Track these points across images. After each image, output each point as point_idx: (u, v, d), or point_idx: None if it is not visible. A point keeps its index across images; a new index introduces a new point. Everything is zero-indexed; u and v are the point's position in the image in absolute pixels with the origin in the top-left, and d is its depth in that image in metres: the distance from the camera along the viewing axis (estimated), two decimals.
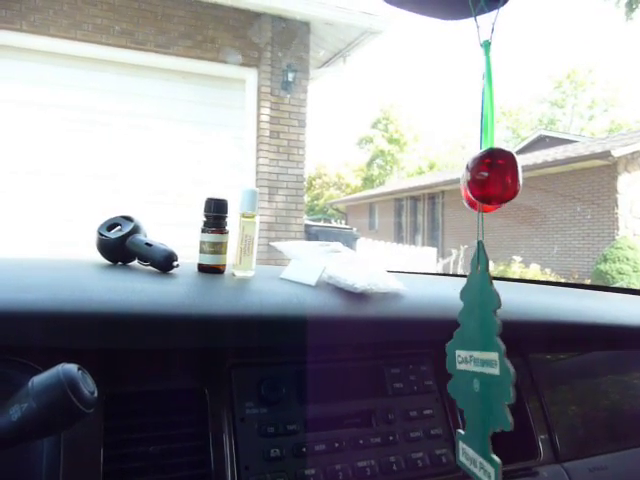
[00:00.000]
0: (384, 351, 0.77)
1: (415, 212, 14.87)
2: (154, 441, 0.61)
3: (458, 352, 0.48)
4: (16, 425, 0.43)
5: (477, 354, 0.45)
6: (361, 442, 0.70)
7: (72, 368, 0.45)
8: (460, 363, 0.47)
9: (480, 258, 0.44)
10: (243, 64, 5.01)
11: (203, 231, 0.80)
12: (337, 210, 20.58)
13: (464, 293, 0.47)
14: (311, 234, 7.41)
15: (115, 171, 4.57)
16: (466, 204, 0.45)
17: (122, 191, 4.51)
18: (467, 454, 0.47)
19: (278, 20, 5.02)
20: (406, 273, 1.21)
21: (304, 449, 0.66)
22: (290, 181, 5.18)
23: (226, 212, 0.81)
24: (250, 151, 5.07)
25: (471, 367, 0.45)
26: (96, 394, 0.46)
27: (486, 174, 0.42)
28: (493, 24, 0.43)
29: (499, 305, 0.43)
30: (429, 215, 14.34)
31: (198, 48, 4.82)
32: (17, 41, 4.28)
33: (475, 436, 0.46)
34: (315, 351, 0.71)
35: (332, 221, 15.79)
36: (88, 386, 0.46)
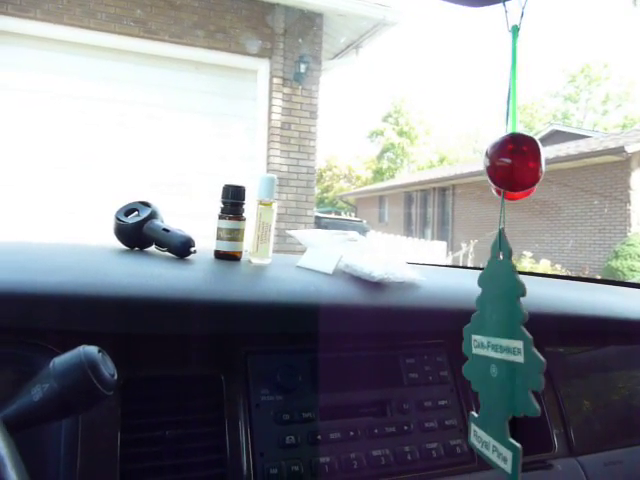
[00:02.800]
0: (400, 341, 0.76)
1: (425, 205, 14.82)
2: (170, 426, 0.61)
3: (474, 336, 0.47)
4: (37, 405, 0.43)
5: (496, 340, 0.44)
6: (376, 431, 0.69)
7: (93, 350, 0.45)
8: (476, 347, 0.47)
9: (502, 245, 0.44)
10: (255, 55, 4.99)
11: (220, 217, 0.79)
12: (347, 203, 20.56)
13: (482, 279, 0.47)
14: (321, 226, 7.43)
15: (126, 161, 4.58)
16: (494, 192, 0.44)
17: (133, 181, 4.52)
18: (479, 437, 0.47)
19: (291, 11, 4.99)
20: (422, 264, 1.20)
21: (319, 437, 0.66)
22: (301, 173, 5.16)
23: (244, 199, 0.81)
24: (261, 142, 5.06)
25: (488, 352, 0.45)
26: (116, 377, 0.47)
27: (509, 160, 0.41)
28: (523, 8, 0.42)
29: (524, 293, 0.42)
30: (439, 209, 14.29)
31: (211, 38, 4.80)
32: (31, 29, 4.29)
33: (491, 420, 0.46)
34: (331, 339, 0.71)
35: (342, 213, 15.78)
36: (108, 368, 0.46)
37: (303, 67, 5.08)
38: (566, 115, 23.58)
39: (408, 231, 14.46)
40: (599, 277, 8.39)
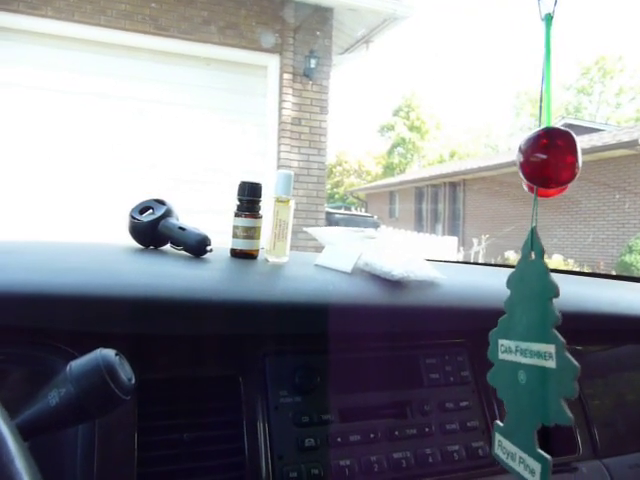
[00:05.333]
0: (420, 341, 0.75)
1: (436, 201, 14.74)
2: (187, 428, 0.60)
3: (501, 341, 0.45)
4: (54, 410, 0.42)
5: (525, 345, 0.42)
6: (396, 433, 0.68)
7: (110, 353, 0.44)
8: (503, 353, 0.45)
9: (534, 245, 0.42)
10: (266, 50, 4.98)
11: (236, 215, 0.78)
12: (357, 198, 20.50)
13: (513, 280, 0.45)
14: (332, 222, 7.41)
15: (138, 158, 4.59)
16: (526, 188, 0.42)
17: (145, 179, 4.53)
18: (504, 447, 0.45)
19: (301, 6, 4.96)
20: (440, 262, 1.18)
21: (339, 439, 0.65)
22: (312, 168, 5.14)
23: (260, 196, 0.79)
24: (272, 138, 5.05)
25: (517, 358, 0.43)
26: (134, 380, 0.45)
27: (544, 156, 0.39)
28: None
29: (557, 294, 0.40)
30: (450, 204, 14.21)
31: (221, 34, 4.79)
32: (42, 27, 4.30)
33: (518, 430, 0.44)
34: (350, 340, 0.69)
35: (352, 209, 15.74)
36: (126, 372, 0.45)
37: (313, 62, 5.05)
38: (579, 108, 23.33)
39: (419, 226, 14.41)
40: (613, 272, 8.30)
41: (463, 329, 0.76)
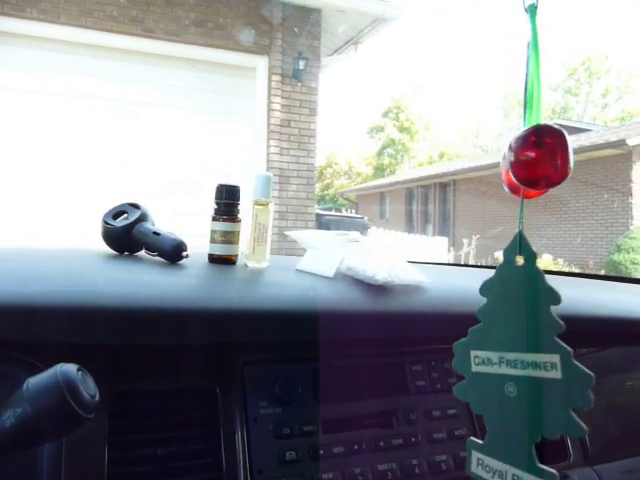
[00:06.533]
0: (405, 347, 0.72)
1: (426, 201, 14.76)
2: (162, 443, 0.57)
3: (475, 352, 0.43)
4: (9, 432, 0.39)
5: (514, 356, 0.40)
6: (381, 444, 0.65)
7: (71, 369, 0.41)
8: (478, 365, 0.42)
9: (524, 249, 0.39)
10: (254, 52, 4.95)
11: (214, 219, 0.75)
12: (348, 199, 20.50)
13: (489, 287, 0.42)
14: (322, 223, 7.39)
15: (125, 160, 4.54)
16: (507, 189, 0.40)
17: (132, 180, 4.48)
18: (488, 465, 0.42)
19: (289, 7, 4.94)
20: (426, 264, 1.16)
21: (321, 451, 0.62)
22: (301, 170, 5.13)
23: (238, 199, 0.77)
24: (261, 140, 5.02)
25: (502, 370, 0.41)
26: (97, 397, 0.43)
27: (533, 154, 0.37)
28: None
29: (557, 301, 0.38)
30: (440, 205, 14.23)
31: (209, 36, 4.76)
32: (27, 29, 4.25)
33: (508, 446, 0.41)
34: (333, 347, 0.67)
35: (343, 210, 15.73)
36: (89, 389, 0.42)
37: (302, 64, 5.04)
38: (566, 109, 23.49)
39: (409, 227, 14.42)
40: (603, 272, 8.35)
41: (449, 334, 0.74)
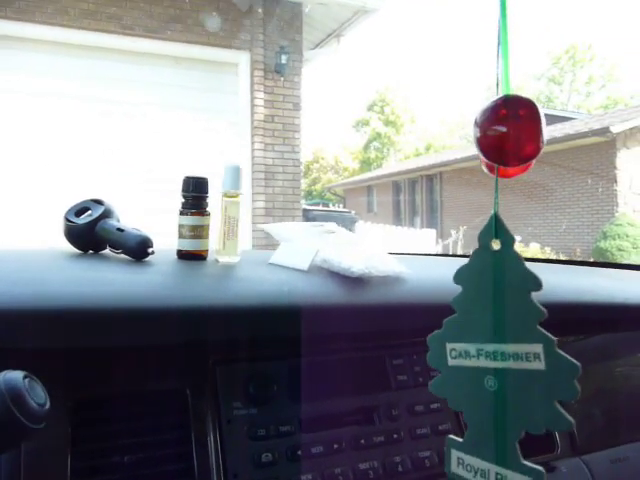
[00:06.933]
0: (385, 340, 0.70)
1: (413, 194, 14.78)
2: (129, 450, 0.54)
3: (451, 345, 0.40)
4: None
5: (493, 347, 0.37)
6: (362, 442, 0.63)
7: (16, 377, 0.38)
8: (455, 358, 0.40)
9: (501, 232, 0.36)
10: (235, 47, 4.90)
11: (181, 213, 0.72)
12: (335, 194, 20.47)
13: (464, 275, 0.39)
14: (309, 218, 7.37)
15: (107, 159, 4.47)
16: (485, 168, 0.37)
17: (115, 179, 4.41)
18: (469, 464, 0.40)
19: (270, 1, 4.89)
20: (407, 255, 1.14)
21: (299, 452, 0.59)
22: (287, 165, 5.09)
23: (207, 192, 0.73)
24: (245, 136, 4.97)
25: (480, 362, 0.38)
26: (47, 406, 0.40)
27: (502, 128, 0.34)
28: None
29: (537, 287, 0.35)
30: (427, 196, 14.25)
31: (189, 32, 4.69)
32: (1, 28, 4.16)
33: (488, 442, 0.38)
34: (309, 343, 0.64)
35: (330, 205, 15.70)
36: (37, 397, 0.39)
37: (284, 58, 4.99)
38: (550, 98, 23.60)
39: (397, 220, 14.43)
40: (591, 259, 8.40)
41: (431, 326, 0.71)
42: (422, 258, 1.15)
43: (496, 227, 0.37)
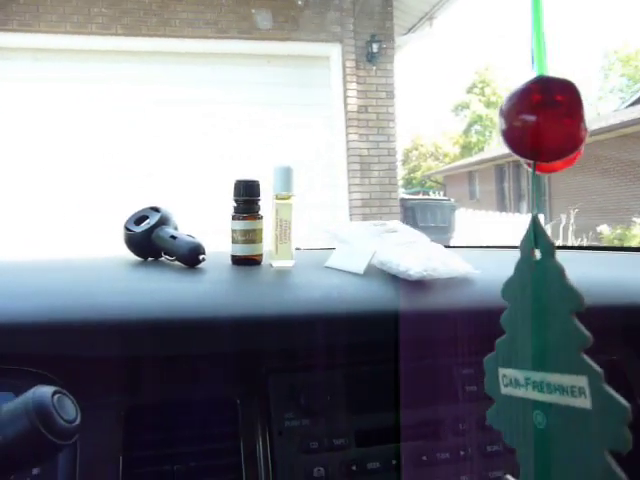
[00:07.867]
0: (452, 349, 0.64)
1: (518, 178, 14.00)
2: (179, 459, 0.54)
3: (503, 371, 0.34)
4: None
5: (540, 376, 0.31)
6: (424, 458, 0.58)
7: (45, 393, 0.38)
8: (507, 386, 0.34)
9: (539, 239, 0.31)
10: (326, 40, 4.90)
11: (233, 218, 0.71)
12: (435, 181, 19.97)
13: (510, 289, 0.33)
14: (407, 208, 7.22)
15: (207, 162, 4.65)
16: (524, 164, 0.31)
17: (216, 182, 4.58)
18: None
19: None
20: (487, 248, 1.05)
21: (354, 467, 0.56)
22: (382, 155, 5.02)
23: (258, 195, 0.72)
24: (339, 128, 4.97)
25: (529, 393, 0.32)
26: (78, 421, 0.40)
27: (532, 118, 0.28)
28: None
29: (579, 307, 0.29)
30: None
31: (280, 29, 4.76)
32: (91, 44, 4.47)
33: None
34: (364, 351, 0.60)
35: (430, 193, 15.31)
36: (66, 413, 0.39)
37: (376, 47, 4.92)
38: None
39: (502, 206, 13.76)
40: None
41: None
42: (494, 252, 1.06)
43: (535, 233, 0.31)
